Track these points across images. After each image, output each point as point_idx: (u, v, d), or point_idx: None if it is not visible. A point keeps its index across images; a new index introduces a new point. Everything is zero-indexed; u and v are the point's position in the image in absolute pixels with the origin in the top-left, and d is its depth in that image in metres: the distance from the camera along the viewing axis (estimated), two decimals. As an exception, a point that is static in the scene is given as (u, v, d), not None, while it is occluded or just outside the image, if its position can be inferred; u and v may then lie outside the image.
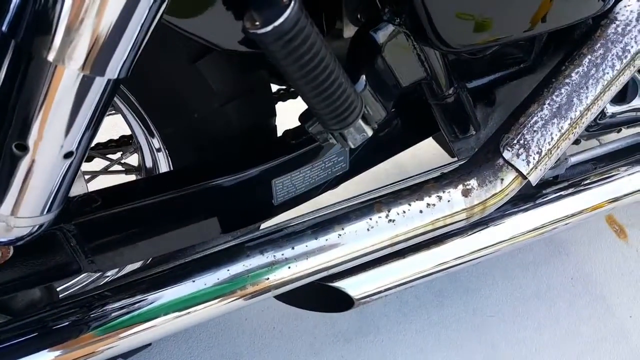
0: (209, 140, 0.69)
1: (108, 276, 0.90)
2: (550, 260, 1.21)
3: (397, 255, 0.77)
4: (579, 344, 1.09)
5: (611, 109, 0.87)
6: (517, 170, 0.65)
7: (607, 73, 0.65)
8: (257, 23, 0.38)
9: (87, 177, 0.82)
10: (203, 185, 0.62)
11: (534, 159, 0.64)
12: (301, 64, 0.40)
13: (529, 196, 0.87)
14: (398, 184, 0.73)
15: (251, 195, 0.67)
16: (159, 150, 0.72)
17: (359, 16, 0.62)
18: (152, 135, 0.70)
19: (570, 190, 0.89)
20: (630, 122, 0.94)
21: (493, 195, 0.65)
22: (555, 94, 0.65)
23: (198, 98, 0.64)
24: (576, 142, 1.00)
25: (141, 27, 0.40)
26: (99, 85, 0.40)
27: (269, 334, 1.07)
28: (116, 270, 0.90)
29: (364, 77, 0.53)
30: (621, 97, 0.87)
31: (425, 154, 1.32)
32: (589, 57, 0.65)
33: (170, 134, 0.69)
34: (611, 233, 1.27)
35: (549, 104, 0.65)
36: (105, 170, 0.82)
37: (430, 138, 0.91)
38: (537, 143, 0.64)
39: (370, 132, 0.52)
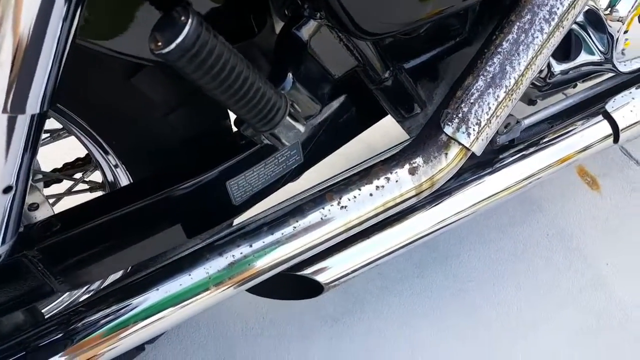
0: (162, 151, 0.71)
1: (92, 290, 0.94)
2: (525, 219, 1.24)
3: (362, 236, 0.79)
4: (559, 297, 1.12)
5: (558, 68, 0.88)
6: (459, 143, 0.67)
7: (537, 37, 0.66)
8: (160, 43, 0.40)
9: (52, 200, 0.84)
10: (158, 196, 0.64)
11: (474, 130, 0.66)
12: (212, 75, 0.42)
13: (487, 162, 0.89)
14: (351, 170, 0.75)
15: (209, 199, 0.69)
16: (116, 166, 0.74)
17: (286, 12, 0.63)
18: (107, 153, 0.72)
19: (530, 150, 0.92)
20: (582, 77, 0.95)
21: (439, 170, 0.68)
22: (489, 64, 0.66)
23: (141, 112, 0.65)
24: (532, 102, 1.02)
25: (52, 59, 0.41)
26: (23, 122, 0.42)
27: (259, 324, 1.10)
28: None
29: (290, 75, 0.55)
30: (567, 55, 0.89)
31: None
32: (518, 23, 0.66)
33: (123, 149, 0.71)
34: (583, 185, 1.30)
35: (483, 74, 0.66)
36: (69, 191, 0.84)
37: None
38: (475, 114, 0.66)
39: (302, 128, 0.54)
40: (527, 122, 0.91)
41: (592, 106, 0.94)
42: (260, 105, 0.47)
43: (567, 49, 0.88)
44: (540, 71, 0.88)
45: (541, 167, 0.91)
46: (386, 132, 1.14)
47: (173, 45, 0.39)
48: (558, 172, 0.94)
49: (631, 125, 0.88)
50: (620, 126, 0.88)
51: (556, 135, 0.93)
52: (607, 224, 1.23)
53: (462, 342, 1.06)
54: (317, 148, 0.80)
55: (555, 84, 0.92)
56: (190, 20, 0.39)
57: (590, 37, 0.86)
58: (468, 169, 0.87)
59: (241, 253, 0.62)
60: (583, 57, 0.88)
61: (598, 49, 0.87)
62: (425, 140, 0.68)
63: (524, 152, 0.91)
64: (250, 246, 0.62)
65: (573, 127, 0.94)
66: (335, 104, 0.79)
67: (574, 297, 1.12)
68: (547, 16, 0.66)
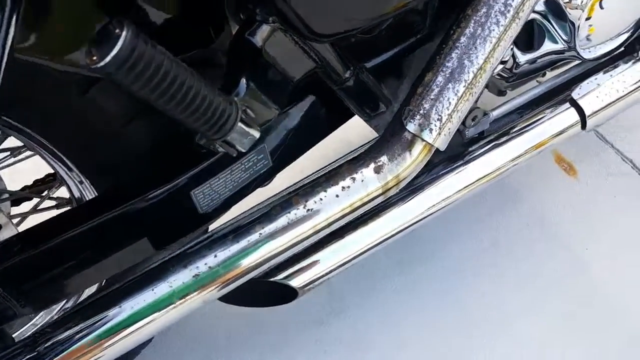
0: (125, 163, 0.70)
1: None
2: (504, 209, 1.24)
3: (336, 236, 0.79)
4: (542, 285, 1.13)
5: (523, 58, 0.88)
6: (422, 139, 0.66)
7: (493, 30, 0.66)
8: (95, 58, 0.39)
9: (16, 220, 0.82)
10: (119, 210, 0.63)
11: (436, 126, 0.66)
12: (152, 87, 0.41)
13: (457, 155, 0.89)
14: (319, 172, 0.74)
15: (174, 209, 0.68)
16: (81, 182, 0.73)
17: (241, 16, 0.63)
18: (71, 170, 0.71)
19: (500, 141, 0.92)
20: (548, 66, 0.96)
21: (405, 167, 0.67)
22: (447, 59, 0.66)
23: (100, 125, 0.64)
24: (502, 93, 1.02)
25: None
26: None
27: (243, 331, 1.09)
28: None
29: (243, 80, 0.54)
30: (530, 45, 0.89)
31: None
32: (474, 17, 0.66)
33: (86, 165, 0.70)
34: (560, 172, 1.31)
35: (442, 70, 0.66)
36: (34, 210, 0.83)
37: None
38: (436, 110, 0.66)
39: (256, 134, 0.53)
40: (495, 113, 0.91)
41: (560, 94, 0.94)
42: (208, 114, 0.46)
43: (530, 39, 0.88)
44: (506, 62, 0.88)
45: (511, 157, 0.91)
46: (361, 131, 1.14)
47: (108, 59, 0.38)
48: (532, 160, 0.94)
49: (597, 111, 0.89)
50: (587, 112, 0.88)
51: (524, 125, 0.93)
52: (584, 209, 1.23)
53: (447, 336, 1.06)
54: (286, 151, 0.79)
55: (521, 74, 0.92)
56: (124, 33, 0.38)
57: (552, 26, 0.86)
58: (439, 163, 0.87)
59: (205, 264, 0.61)
60: (547, 46, 0.88)
61: (561, 37, 0.87)
62: (389, 138, 0.68)
63: (494, 143, 0.91)
64: (215, 256, 0.61)
65: (541, 116, 0.94)
66: (302, 105, 0.78)
67: (556, 284, 1.13)
68: (503, 9, 0.66)
